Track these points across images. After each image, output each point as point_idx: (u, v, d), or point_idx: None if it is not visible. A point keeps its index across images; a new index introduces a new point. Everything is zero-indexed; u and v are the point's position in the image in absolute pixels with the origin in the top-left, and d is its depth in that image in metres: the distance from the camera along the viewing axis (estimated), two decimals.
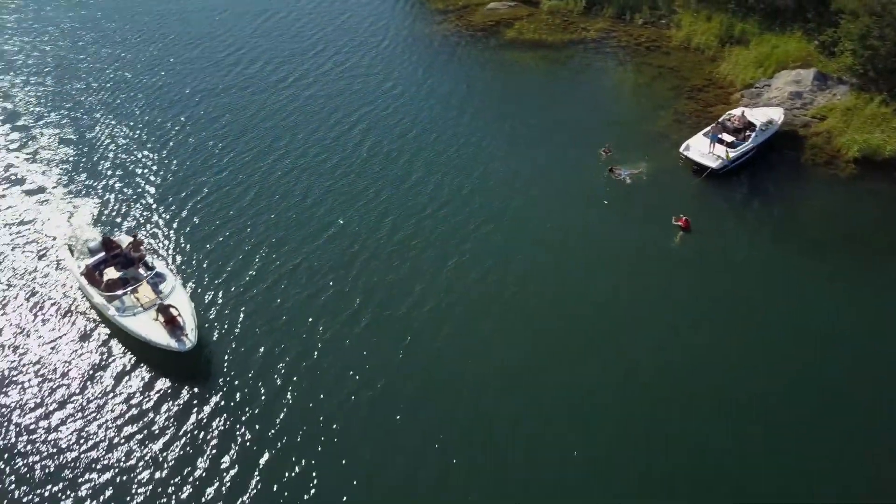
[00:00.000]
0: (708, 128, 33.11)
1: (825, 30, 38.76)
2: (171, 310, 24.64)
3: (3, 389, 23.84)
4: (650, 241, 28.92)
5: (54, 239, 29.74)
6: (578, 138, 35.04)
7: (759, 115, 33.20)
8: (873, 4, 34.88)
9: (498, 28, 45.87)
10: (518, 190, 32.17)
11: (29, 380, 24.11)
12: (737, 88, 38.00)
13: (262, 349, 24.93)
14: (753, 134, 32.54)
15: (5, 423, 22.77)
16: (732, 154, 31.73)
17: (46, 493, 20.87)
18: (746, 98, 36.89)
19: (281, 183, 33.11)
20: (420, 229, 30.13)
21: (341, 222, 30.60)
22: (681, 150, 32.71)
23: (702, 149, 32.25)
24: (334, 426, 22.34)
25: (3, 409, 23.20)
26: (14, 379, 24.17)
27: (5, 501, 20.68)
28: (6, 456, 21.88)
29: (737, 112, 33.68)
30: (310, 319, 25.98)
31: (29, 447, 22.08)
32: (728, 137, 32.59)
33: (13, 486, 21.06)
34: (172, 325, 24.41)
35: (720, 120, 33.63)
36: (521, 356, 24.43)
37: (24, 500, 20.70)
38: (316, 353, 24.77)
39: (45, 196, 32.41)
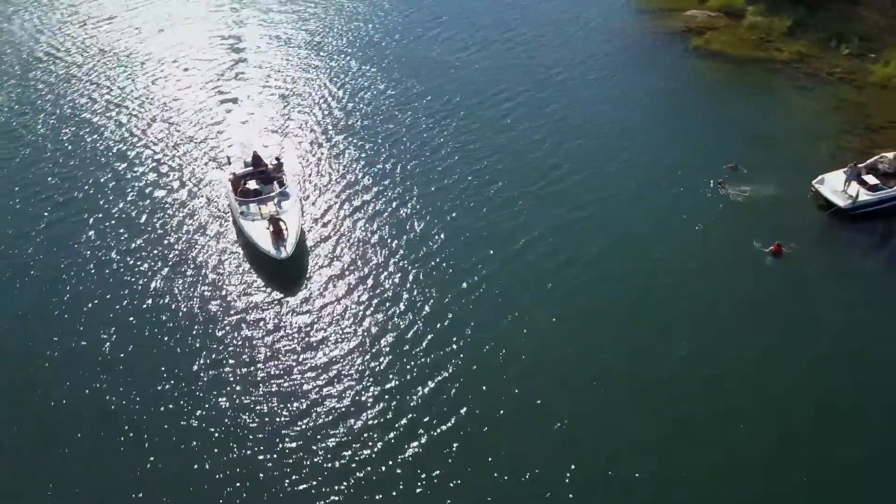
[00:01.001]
0: (852, 165, 30.70)
1: None
2: (280, 223, 28.69)
3: (138, 253, 29.48)
4: (741, 258, 28.13)
5: (226, 140, 35.68)
6: (720, 150, 34.11)
7: None
8: None
9: (688, 34, 45.14)
10: (629, 188, 32.33)
11: (164, 245, 29.85)
12: None
13: (346, 274, 28.16)
14: None
15: (130, 279, 28.44)
16: (865, 196, 29.32)
17: (141, 338, 26.25)
18: None
19: (420, 137, 36.28)
20: (523, 200, 31.64)
21: (453, 180, 33.09)
22: (814, 182, 30.80)
23: (836, 185, 30.15)
24: (380, 349, 25.08)
25: (132, 268, 28.78)
26: (149, 244, 29.85)
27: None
28: (123, 304, 27.63)
29: (891, 155, 30.87)
30: (393, 260, 28.72)
31: (136, 300, 27.59)
32: (872, 179, 30.06)
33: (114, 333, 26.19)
34: (278, 236, 28.41)
35: (872, 160, 31.05)
36: (565, 343, 25.03)
37: (130, 346, 25.79)
38: (386, 289, 27.37)
39: (232, 106, 38.86)
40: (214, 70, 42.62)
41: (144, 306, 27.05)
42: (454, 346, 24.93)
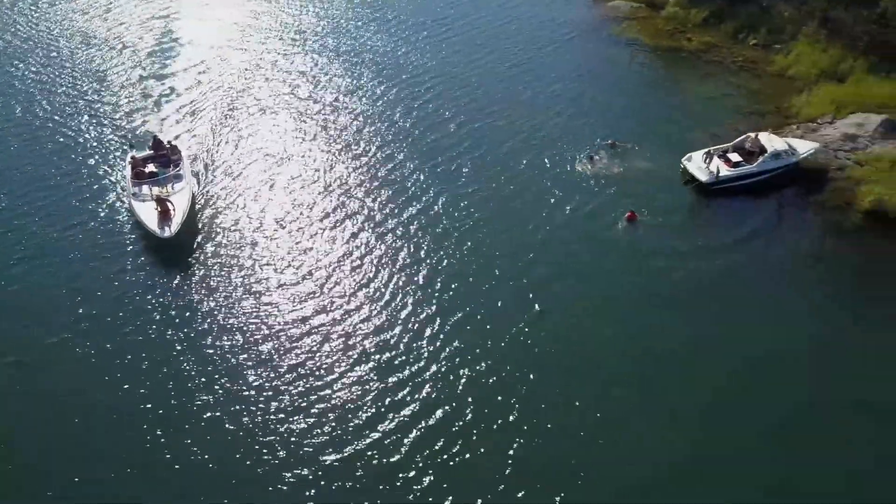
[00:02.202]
0: (724, 145, 32.48)
1: None
2: (168, 203, 29.83)
3: (32, 231, 30.44)
4: (597, 224, 30.21)
5: (139, 122, 37.36)
6: (608, 129, 36.00)
7: (777, 143, 31.80)
8: None
9: (608, 24, 46.74)
10: (516, 164, 34.13)
11: (59, 224, 30.84)
12: (798, 121, 36.02)
13: (234, 253, 29.25)
14: (761, 159, 31.38)
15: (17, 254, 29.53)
16: (726, 172, 31.01)
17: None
18: (801, 131, 34.96)
19: (330, 118, 38.05)
20: (418, 178, 33.46)
21: (356, 163, 34.65)
22: (683, 159, 32.45)
23: (701, 162, 31.79)
24: (253, 325, 26.22)
25: (21, 242, 29.98)
26: (45, 221, 30.92)
27: None
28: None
29: (754, 134, 32.52)
30: (285, 240, 29.77)
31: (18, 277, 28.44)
32: (735, 157, 31.78)
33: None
34: (165, 216, 29.51)
35: (739, 139, 32.75)
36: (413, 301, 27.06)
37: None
38: (272, 269, 28.43)
39: (155, 86, 40.59)
40: (146, 51, 44.26)
41: (28, 283, 28.00)
42: (330, 322, 26.08)
